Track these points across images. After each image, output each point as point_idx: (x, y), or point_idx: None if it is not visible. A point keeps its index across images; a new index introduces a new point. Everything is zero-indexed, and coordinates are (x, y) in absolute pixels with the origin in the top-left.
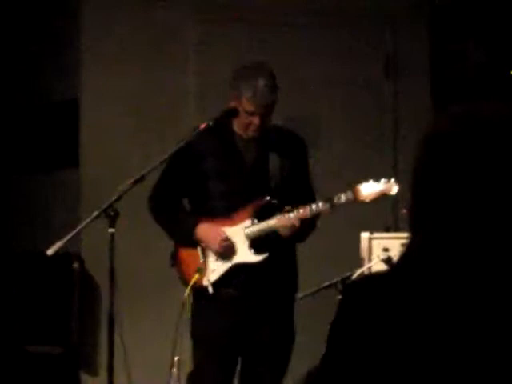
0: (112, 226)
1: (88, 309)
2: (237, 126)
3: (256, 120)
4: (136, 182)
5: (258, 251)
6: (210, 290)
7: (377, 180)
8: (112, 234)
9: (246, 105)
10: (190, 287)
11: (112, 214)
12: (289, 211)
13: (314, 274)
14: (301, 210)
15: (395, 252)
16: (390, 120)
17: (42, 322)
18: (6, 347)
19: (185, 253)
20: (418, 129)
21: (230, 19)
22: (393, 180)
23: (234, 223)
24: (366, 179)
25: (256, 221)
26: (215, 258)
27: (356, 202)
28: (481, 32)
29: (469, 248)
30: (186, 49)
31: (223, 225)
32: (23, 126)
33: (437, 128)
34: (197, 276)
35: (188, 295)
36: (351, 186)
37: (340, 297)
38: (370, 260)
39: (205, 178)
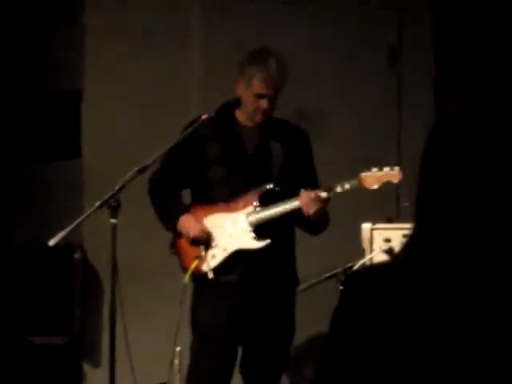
0: (114, 216)
1: (90, 299)
2: (241, 114)
3: (264, 103)
4: (138, 172)
5: (259, 238)
6: (210, 275)
7: (380, 168)
8: (114, 225)
9: (257, 86)
10: (189, 274)
11: (114, 204)
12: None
13: (315, 265)
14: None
15: (397, 243)
16: (394, 111)
17: (44, 313)
18: (8, 338)
19: (184, 240)
20: (423, 119)
21: (235, 7)
22: (397, 168)
23: (236, 209)
24: (369, 169)
25: (259, 207)
26: (215, 244)
27: (360, 188)
28: (485, 21)
29: (473, 240)
30: (189, 38)
31: (224, 211)
32: (25, 116)
33: (442, 118)
34: (196, 262)
35: (188, 281)
36: (356, 174)
37: (342, 287)
38: (371, 251)
39: (206, 165)
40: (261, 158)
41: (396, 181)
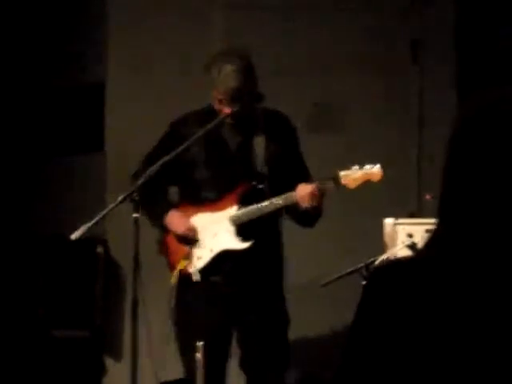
0: (137, 210)
1: (112, 293)
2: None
3: (225, 108)
4: (161, 166)
5: (243, 238)
6: (196, 277)
7: (361, 166)
8: (136, 219)
9: (216, 92)
10: (175, 275)
11: (137, 198)
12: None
13: (337, 260)
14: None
15: (419, 238)
16: (415, 105)
17: (66, 307)
18: (31, 331)
19: (171, 240)
20: (445, 115)
21: (256, 4)
22: (378, 166)
23: (219, 209)
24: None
25: (242, 206)
26: (201, 244)
27: (338, 187)
28: (509, 15)
29: (497, 237)
30: (212, 34)
31: (208, 211)
32: (48, 110)
33: (465, 116)
34: (183, 263)
35: (175, 282)
36: (334, 172)
37: (364, 282)
38: (394, 246)
39: (191, 166)
40: (244, 155)
41: (376, 180)
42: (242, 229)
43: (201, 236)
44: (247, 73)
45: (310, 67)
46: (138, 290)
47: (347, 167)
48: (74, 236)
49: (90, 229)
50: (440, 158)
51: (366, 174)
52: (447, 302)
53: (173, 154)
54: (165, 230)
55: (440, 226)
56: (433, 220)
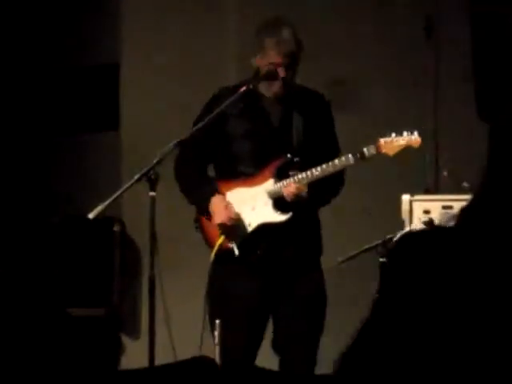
0: (153, 189)
1: (129, 272)
2: (262, 86)
3: (281, 72)
4: (177, 145)
5: (282, 211)
6: (236, 252)
7: (400, 133)
8: (153, 198)
9: (272, 55)
10: (215, 251)
11: (153, 177)
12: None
13: (354, 237)
14: (307, 173)
15: (436, 214)
16: (431, 83)
17: (83, 285)
18: (48, 310)
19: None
20: (460, 91)
21: None
22: (416, 132)
23: (256, 183)
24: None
25: (277, 180)
26: (239, 219)
27: (379, 155)
28: None
29: None
30: (226, 13)
31: (245, 185)
32: (64, 88)
33: None
34: (221, 239)
35: (213, 259)
36: (374, 140)
37: (382, 259)
38: (411, 222)
39: (230, 139)
40: (284, 130)
41: (416, 146)
42: (279, 201)
43: (239, 211)
44: (299, 39)
45: (323, 43)
46: (154, 268)
47: (388, 134)
48: (91, 215)
49: (106, 208)
50: (457, 132)
51: (406, 141)
52: (475, 274)
53: (189, 132)
54: (204, 213)
55: (475, 198)
56: (449, 196)
